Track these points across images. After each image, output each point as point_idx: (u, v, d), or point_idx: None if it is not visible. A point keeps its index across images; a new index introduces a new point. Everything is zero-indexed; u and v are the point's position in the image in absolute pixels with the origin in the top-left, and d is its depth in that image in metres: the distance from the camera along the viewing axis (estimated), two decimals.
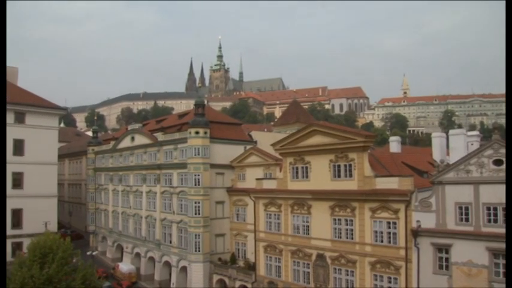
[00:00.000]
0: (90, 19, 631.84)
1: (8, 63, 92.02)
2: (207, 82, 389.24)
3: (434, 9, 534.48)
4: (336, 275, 40.06)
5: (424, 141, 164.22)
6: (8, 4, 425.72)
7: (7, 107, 69.26)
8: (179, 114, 76.70)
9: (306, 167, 43.21)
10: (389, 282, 35.99)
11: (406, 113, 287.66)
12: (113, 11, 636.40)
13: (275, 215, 46.56)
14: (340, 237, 39.76)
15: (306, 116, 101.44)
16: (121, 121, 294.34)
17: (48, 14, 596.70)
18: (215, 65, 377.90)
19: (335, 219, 40.24)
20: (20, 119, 71.03)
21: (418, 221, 33.86)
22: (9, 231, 68.14)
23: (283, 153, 45.67)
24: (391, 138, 56.57)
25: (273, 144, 46.60)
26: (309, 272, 42.42)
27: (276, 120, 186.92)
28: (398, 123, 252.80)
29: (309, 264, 42.41)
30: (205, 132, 54.89)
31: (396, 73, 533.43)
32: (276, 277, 45.89)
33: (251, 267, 50.27)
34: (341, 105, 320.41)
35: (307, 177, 43.16)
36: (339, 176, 40.14)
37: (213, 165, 55.41)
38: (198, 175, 54.16)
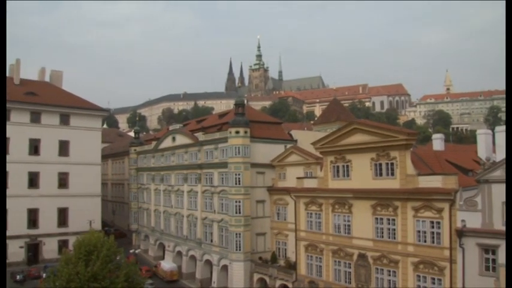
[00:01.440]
0: (131, 23, 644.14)
1: (52, 67, 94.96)
2: (246, 82, 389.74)
3: (477, 2, 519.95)
4: (377, 275, 39.55)
5: (468, 139, 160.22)
6: (52, 11, 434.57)
7: (52, 109, 71.58)
8: (219, 114, 77.22)
9: (347, 166, 42.81)
10: (433, 283, 35.24)
11: (450, 110, 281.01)
12: (152, 14, 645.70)
13: (316, 214, 46.32)
14: (382, 237, 39.22)
15: (347, 114, 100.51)
16: (162, 121, 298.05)
17: (90, 19, 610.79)
18: (254, 65, 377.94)
19: (377, 219, 39.74)
20: (65, 121, 73.16)
21: (463, 221, 33.05)
22: (55, 229, 70.60)
23: (323, 151, 45.40)
24: (434, 136, 55.40)
25: (313, 143, 46.33)
26: (350, 272, 42.02)
27: (316, 118, 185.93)
28: (441, 121, 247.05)
29: (350, 264, 42.01)
30: (246, 132, 55.07)
31: (439, 69, 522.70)
32: (317, 276, 45.64)
33: (292, 267, 50.13)
34: (382, 103, 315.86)
35: (348, 176, 42.77)
36: (381, 174, 39.61)
37: (253, 165, 55.57)
38: (239, 174, 54.39)
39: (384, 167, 39.39)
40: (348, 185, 42.47)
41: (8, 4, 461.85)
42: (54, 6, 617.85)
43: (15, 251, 67.29)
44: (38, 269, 62.30)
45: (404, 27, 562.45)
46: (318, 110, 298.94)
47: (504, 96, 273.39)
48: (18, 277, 59.45)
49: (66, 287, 36.51)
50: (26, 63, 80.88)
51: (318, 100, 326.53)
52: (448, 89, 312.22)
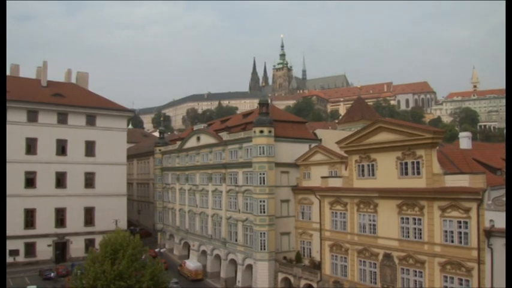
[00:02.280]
0: (153, 23, 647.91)
1: (78, 69, 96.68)
2: (270, 81, 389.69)
3: None
4: (403, 276, 39.14)
5: (496, 137, 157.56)
6: (77, 14, 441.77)
7: (79, 110, 72.80)
8: (244, 114, 77.31)
9: (372, 165, 42.49)
10: (461, 284, 34.73)
11: (477, 108, 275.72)
12: (175, 14, 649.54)
13: (341, 213, 46.08)
14: (408, 237, 38.80)
15: (371, 112, 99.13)
16: (186, 121, 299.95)
17: (113, 21, 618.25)
18: (278, 64, 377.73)
19: (402, 218, 39.34)
20: (91, 121, 74.33)
21: (491, 221, 32.47)
22: (82, 228, 71.95)
23: (348, 150, 45.14)
24: (461, 134, 54.56)
25: (338, 142, 46.13)
26: (375, 272, 41.68)
27: (340, 117, 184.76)
28: (468, 118, 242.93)
29: (375, 263, 41.68)
30: (270, 131, 55.04)
31: (465, 66, 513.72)
32: (342, 276, 45.41)
33: (316, 266, 49.98)
34: (407, 101, 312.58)
35: (373, 175, 42.45)
36: (406, 173, 39.20)
37: (277, 164, 55.51)
38: (263, 174, 54.40)
39: (409, 166, 38.98)
40: (373, 184, 42.16)
41: (34, 8, 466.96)
42: (78, 9, 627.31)
43: (44, 249, 68.77)
44: (65, 267, 63.40)
45: (430, 24, 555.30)
46: (342, 109, 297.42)
47: None
48: (52, 274, 60.80)
49: (93, 285, 37.04)
50: (53, 65, 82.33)
51: (342, 99, 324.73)
52: (475, 86, 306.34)
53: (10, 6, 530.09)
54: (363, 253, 43.05)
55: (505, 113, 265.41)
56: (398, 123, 42.27)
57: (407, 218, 38.93)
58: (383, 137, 41.11)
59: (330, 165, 52.45)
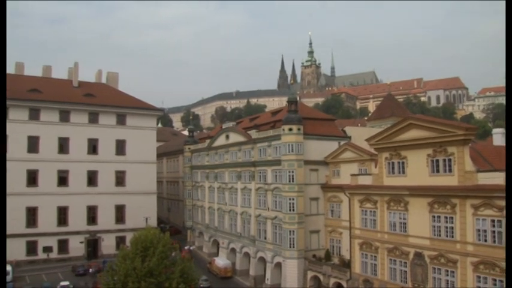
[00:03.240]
0: (182, 24, 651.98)
1: (109, 70, 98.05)
2: (298, 79, 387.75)
3: None
4: (435, 275, 38.56)
5: None
6: (107, 16, 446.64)
7: (109, 110, 73.95)
8: (272, 112, 77.23)
9: (403, 162, 41.97)
10: (494, 284, 33.96)
11: None
12: (204, 14, 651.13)
13: (371, 211, 45.67)
14: (440, 236, 38.19)
15: (401, 109, 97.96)
16: (215, 120, 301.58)
17: (143, 22, 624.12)
18: (306, 61, 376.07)
19: (434, 217, 38.75)
20: (121, 121, 75.39)
21: None
22: (113, 225, 73.24)
23: (378, 148, 44.73)
24: (495, 131, 53.43)
25: (367, 139, 45.77)
26: (406, 271, 41.18)
27: (369, 114, 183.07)
28: (501, 114, 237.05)
29: (406, 262, 41.16)
30: (299, 129, 54.83)
31: (498, 60, 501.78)
32: (372, 275, 45.02)
33: (346, 265, 49.67)
34: (438, 97, 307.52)
35: (403, 172, 41.95)
36: (438, 171, 38.59)
37: (307, 162, 55.26)
38: (292, 172, 54.24)
39: (441, 163, 38.37)
40: (403, 182, 41.66)
41: (64, 11, 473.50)
42: (107, 10, 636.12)
43: (76, 246, 70.17)
44: (97, 264, 64.48)
45: (461, 18, 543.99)
46: (371, 106, 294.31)
47: None
48: (91, 270, 62.25)
49: (124, 282, 37.55)
50: (84, 66, 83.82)
51: (371, 96, 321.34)
52: None
53: (41, 10, 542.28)
54: (393, 252, 42.59)
55: None
56: (429, 120, 41.71)
57: (439, 217, 38.33)
58: (413, 134, 40.58)
59: (360, 163, 51.97)
